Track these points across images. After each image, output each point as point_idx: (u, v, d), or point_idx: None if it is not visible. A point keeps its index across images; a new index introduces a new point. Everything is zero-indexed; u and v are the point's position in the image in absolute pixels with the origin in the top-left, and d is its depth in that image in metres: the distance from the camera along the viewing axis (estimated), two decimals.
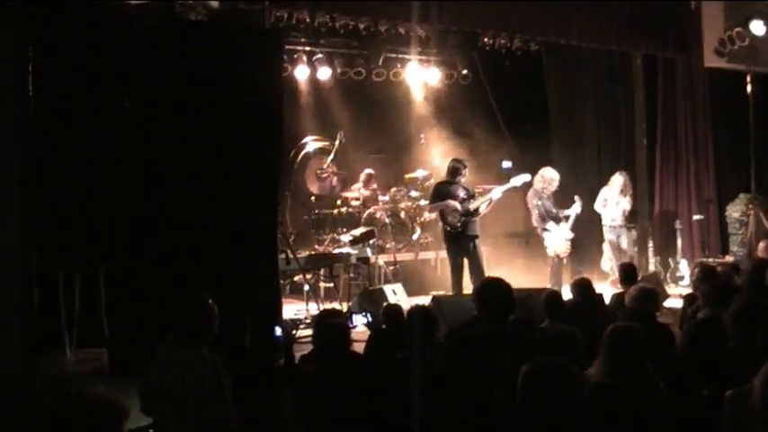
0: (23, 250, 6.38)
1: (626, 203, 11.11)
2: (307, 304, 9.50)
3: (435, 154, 12.27)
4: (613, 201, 11.08)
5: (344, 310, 8.76)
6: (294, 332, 8.00)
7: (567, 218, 9.97)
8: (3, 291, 6.17)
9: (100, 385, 2.89)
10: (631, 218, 11.62)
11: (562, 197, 10.47)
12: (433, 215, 10.23)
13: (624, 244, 11.16)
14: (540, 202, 9.99)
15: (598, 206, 11.23)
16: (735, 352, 4.07)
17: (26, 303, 6.37)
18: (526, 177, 9.74)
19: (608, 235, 11.23)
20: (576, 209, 9.95)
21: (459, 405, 4.08)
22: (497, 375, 2.76)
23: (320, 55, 12.24)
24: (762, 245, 9.18)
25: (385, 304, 7.29)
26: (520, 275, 9.81)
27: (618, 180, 11.15)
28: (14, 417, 5.12)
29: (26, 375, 6.24)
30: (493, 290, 4.64)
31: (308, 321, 8.55)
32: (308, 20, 10.69)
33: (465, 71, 13.31)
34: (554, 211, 10.05)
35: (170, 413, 4.12)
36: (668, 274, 11.60)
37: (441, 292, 9.85)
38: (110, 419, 2.73)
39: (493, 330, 4.38)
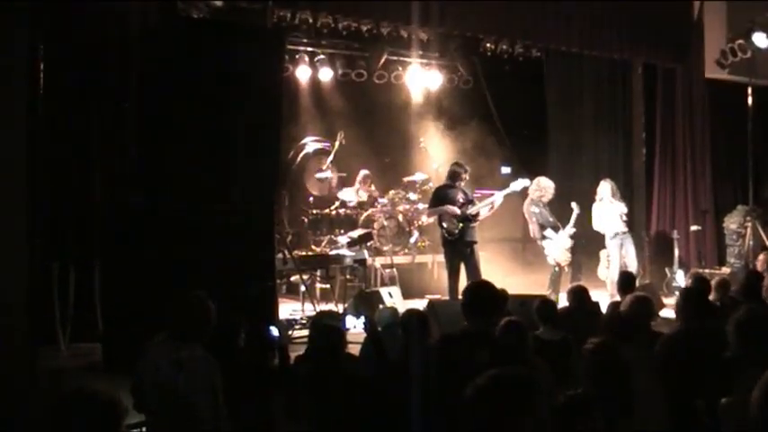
0: (29, 245, 6.37)
1: (621, 207, 10.55)
2: (302, 305, 9.49)
3: (434, 157, 12.25)
4: (607, 209, 10.54)
5: (340, 311, 8.77)
6: (290, 332, 8.00)
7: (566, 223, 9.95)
8: (11, 284, 6.15)
9: (98, 382, 2.87)
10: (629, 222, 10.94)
11: (559, 203, 10.45)
12: (432, 219, 10.23)
13: (630, 253, 10.51)
14: (538, 210, 9.98)
15: (596, 224, 10.63)
16: (733, 362, 4.06)
17: (31, 297, 6.36)
18: (526, 182, 9.75)
19: (612, 247, 10.56)
20: (575, 215, 9.95)
21: (443, 403, 4.07)
22: (480, 373, 2.73)
23: (322, 56, 12.27)
24: (761, 257, 9.14)
25: (380, 307, 7.30)
26: (516, 281, 9.80)
27: (604, 188, 10.58)
28: (16, 409, 5.11)
29: (29, 369, 6.22)
30: (479, 291, 4.68)
31: (304, 322, 8.54)
32: (310, 20, 10.68)
33: (466, 75, 13.33)
34: (551, 219, 10.05)
35: (161, 411, 4.11)
36: (664, 285, 11.58)
37: (436, 297, 9.84)
38: (110, 417, 2.72)
39: (477, 329, 4.40)
